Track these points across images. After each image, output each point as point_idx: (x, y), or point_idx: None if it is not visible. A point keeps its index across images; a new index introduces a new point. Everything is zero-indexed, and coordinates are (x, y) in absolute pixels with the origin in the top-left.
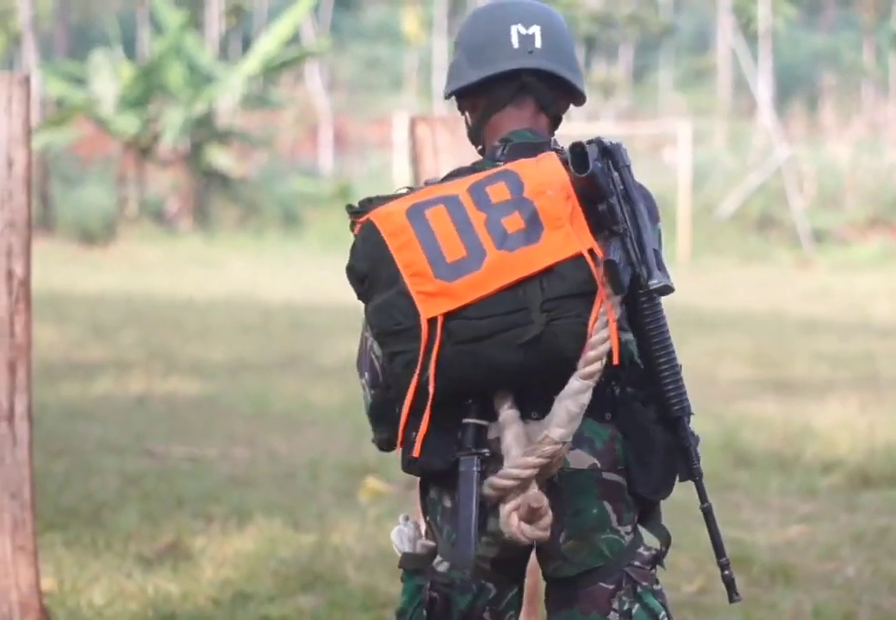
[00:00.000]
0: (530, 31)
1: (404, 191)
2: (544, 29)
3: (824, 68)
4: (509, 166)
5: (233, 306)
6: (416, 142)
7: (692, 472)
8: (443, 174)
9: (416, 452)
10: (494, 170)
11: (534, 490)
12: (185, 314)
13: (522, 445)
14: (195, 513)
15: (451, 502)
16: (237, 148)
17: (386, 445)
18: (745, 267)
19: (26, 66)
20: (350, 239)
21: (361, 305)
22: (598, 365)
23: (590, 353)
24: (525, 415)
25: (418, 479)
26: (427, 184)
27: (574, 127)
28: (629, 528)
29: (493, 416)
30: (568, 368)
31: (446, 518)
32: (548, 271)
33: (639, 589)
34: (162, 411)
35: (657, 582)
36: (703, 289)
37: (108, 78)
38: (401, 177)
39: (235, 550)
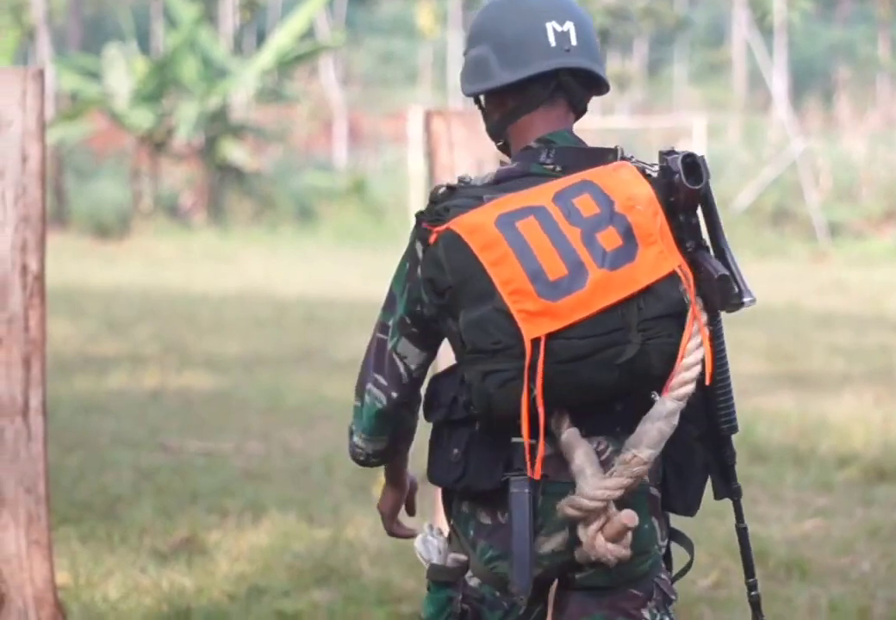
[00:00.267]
0: (565, 27)
1: (443, 189)
2: (577, 25)
3: (840, 62)
4: (586, 176)
5: (247, 300)
6: (431, 136)
7: (732, 491)
8: (459, 168)
9: (536, 473)
10: (573, 180)
11: (615, 509)
12: (199, 308)
13: (595, 463)
14: (210, 508)
15: (490, 519)
16: (251, 142)
17: (375, 458)
18: (761, 261)
19: (40, 61)
20: (364, 235)
21: (375, 300)
22: (691, 387)
23: (684, 374)
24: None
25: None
26: (463, 181)
27: (589, 121)
28: (665, 542)
29: (542, 434)
30: (649, 387)
31: (483, 534)
32: (646, 290)
33: (667, 604)
34: (176, 405)
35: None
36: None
37: (122, 72)
38: (416, 172)
39: (250, 544)
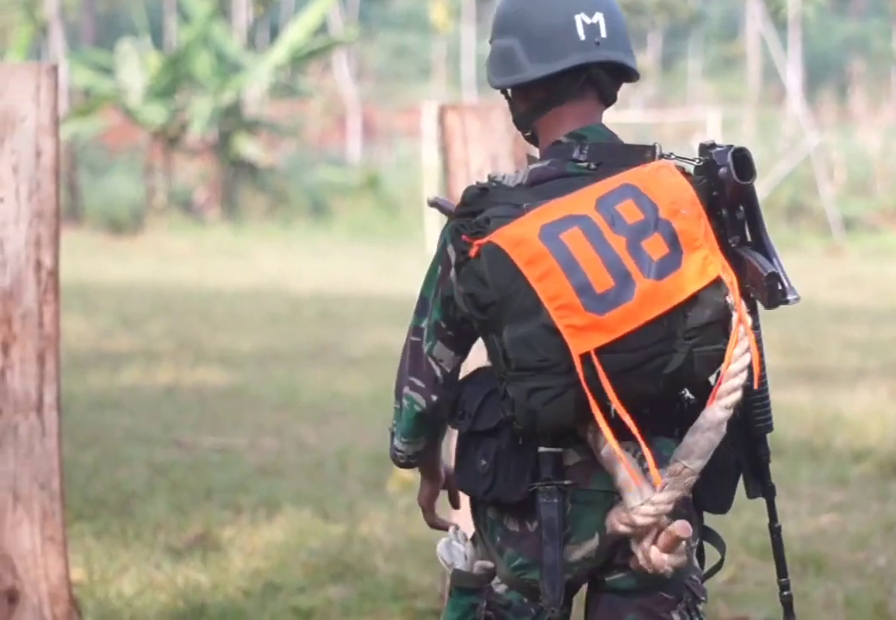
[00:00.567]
0: (594, 19)
1: (475, 191)
2: (607, 15)
3: (854, 55)
4: (626, 179)
5: (261, 296)
6: (445, 130)
7: (767, 490)
8: (473, 163)
9: (657, 479)
10: (614, 184)
11: (666, 519)
12: (213, 304)
13: (640, 476)
14: (224, 504)
15: (518, 527)
16: (265, 137)
17: (414, 459)
18: None
19: (53, 56)
20: (378, 230)
21: (389, 295)
22: (739, 394)
23: (732, 381)
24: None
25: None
26: (495, 180)
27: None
28: (696, 541)
29: (567, 442)
30: (689, 390)
31: (511, 542)
32: (691, 298)
33: (699, 606)
34: (190, 401)
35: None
36: None
37: (135, 67)
38: (430, 166)
39: (265, 541)
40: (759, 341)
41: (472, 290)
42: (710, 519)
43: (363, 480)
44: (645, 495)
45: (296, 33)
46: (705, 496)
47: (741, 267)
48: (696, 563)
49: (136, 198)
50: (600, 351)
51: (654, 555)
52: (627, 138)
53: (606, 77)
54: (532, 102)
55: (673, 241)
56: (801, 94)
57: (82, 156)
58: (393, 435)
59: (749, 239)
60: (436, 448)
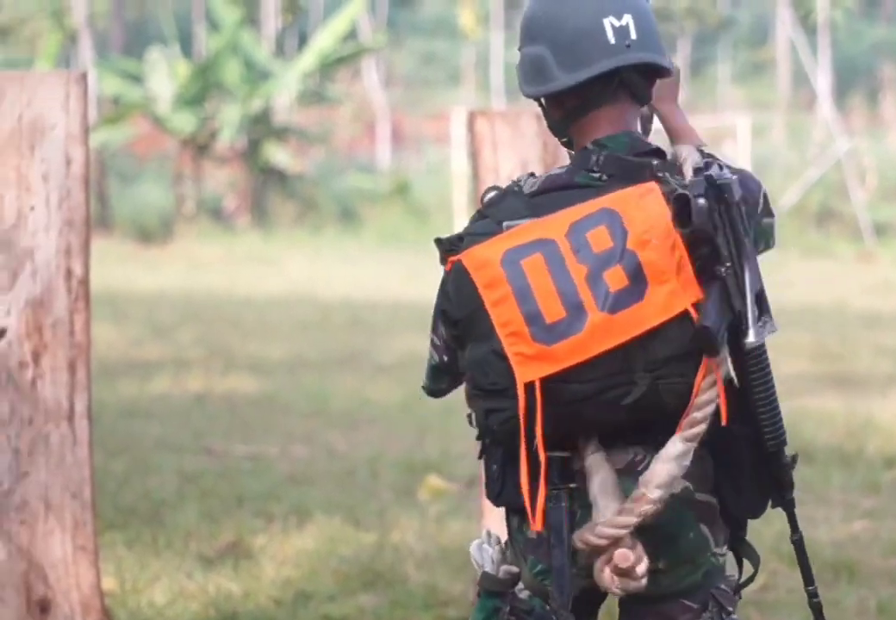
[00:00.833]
0: (623, 21)
1: (493, 193)
2: (636, 16)
3: (884, 60)
4: (611, 203)
5: (291, 303)
6: (474, 136)
7: (786, 503)
8: (503, 169)
9: (537, 525)
10: (595, 207)
11: (624, 543)
12: (243, 312)
13: (609, 495)
14: (255, 512)
15: (535, 533)
16: (294, 144)
17: (440, 394)
18: (806, 261)
19: (82, 64)
20: (407, 236)
21: (419, 302)
22: (702, 427)
23: (695, 414)
24: (609, 447)
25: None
26: (517, 184)
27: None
28: (724, 549)
29: (575, 446)
30: (668, 419)
31: (530, 548)
32: (653, 331)
33: (724, 616)
34: (221, 409)
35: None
36: (765, 284)
37: (164, 75)
38: (459, 173)
39: (296, 549)
40: (759, 356)
41: (443, 307)
42: (751, 524)
43: (394, 488)
44: (607, 515)
45: (324, 40)
46: (730, 501)
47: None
48: (725, 572)
49: (165, 206)
50: (551, 380)
51: (606, 575)
52: (657, 145)
53: (639, 78)
54: (565, 109)
55: (636, 273)
56: (831, 99)
57: (111, 164)
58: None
59: (735, 271)
60: None
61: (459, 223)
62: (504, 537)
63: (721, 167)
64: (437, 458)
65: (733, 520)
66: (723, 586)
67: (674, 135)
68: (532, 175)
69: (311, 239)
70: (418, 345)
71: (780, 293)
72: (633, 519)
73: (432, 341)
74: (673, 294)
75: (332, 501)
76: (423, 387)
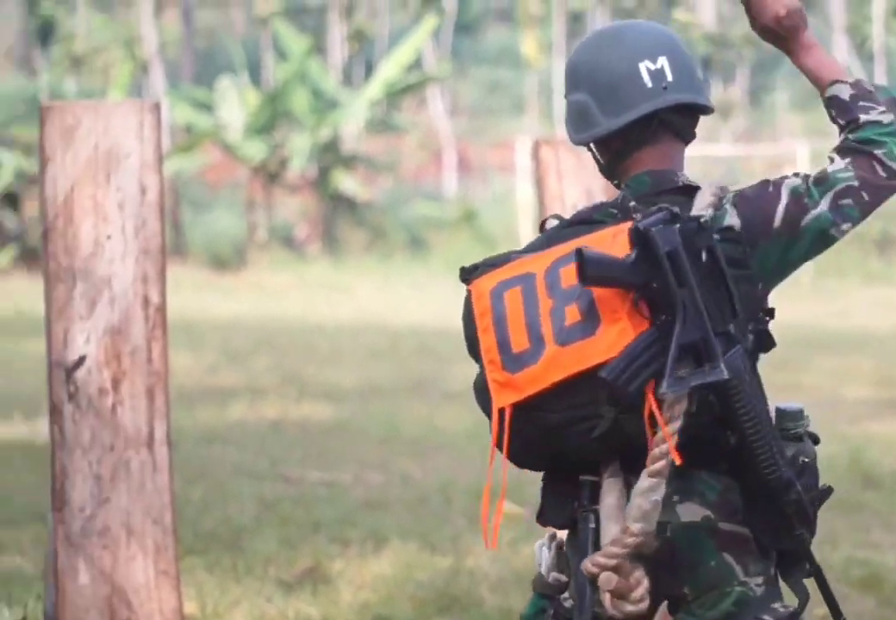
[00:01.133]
0: (659, 64)
1: (548, 220)
2: (671, 58)
3: None
4: (589, 241)
5: (361, 330)
6: (539, 165)
7: (793, 537)
8: (568, 197)
9: (492, 544)
10: (573, 247)
11: (624, 568)
12: (316, 339)
13: (613, 520)
14: (332, 537)
15: (572, 548)
16: (362, 172)
17: None
18: (867, 288)
19: (154, 93)
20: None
21: None
22: (664, 462)
23: (654, 451)
24: (633, 472)
25: None
26: (557, 216)
27: (692, 148)
28: (760, 580)
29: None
30: (643, 453)
31: (575, 561)
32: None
33: None
34: (296, 436)
35: None
36: (826, 311)
37: (234, 104)
38: (524, 201)
39: (373, 574)
40: (738, 401)
41: (463, 328)
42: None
43: (467, 513)
44: (609, 538)
45: (390, 69)
46: (754, 528)
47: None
48: (774, 604)
49: (237, 234)
50: (523, 407)
51: (606, 600)
52: (717, 172)
53: (679, 118)
54: (612, 153)
55: (589, 310)
56: None
57: (185, 192)
58: None
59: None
60: None
61: None
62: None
63: (671, 216)
64: (508, 484)
65: (782, 553)
66: (766, 617)
67: (815, 84)
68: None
69: (380, 266)
70: None
71: (842, 320)
72: (620, 551)
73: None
74: (623, 333)
75: (406, 527)
76: None
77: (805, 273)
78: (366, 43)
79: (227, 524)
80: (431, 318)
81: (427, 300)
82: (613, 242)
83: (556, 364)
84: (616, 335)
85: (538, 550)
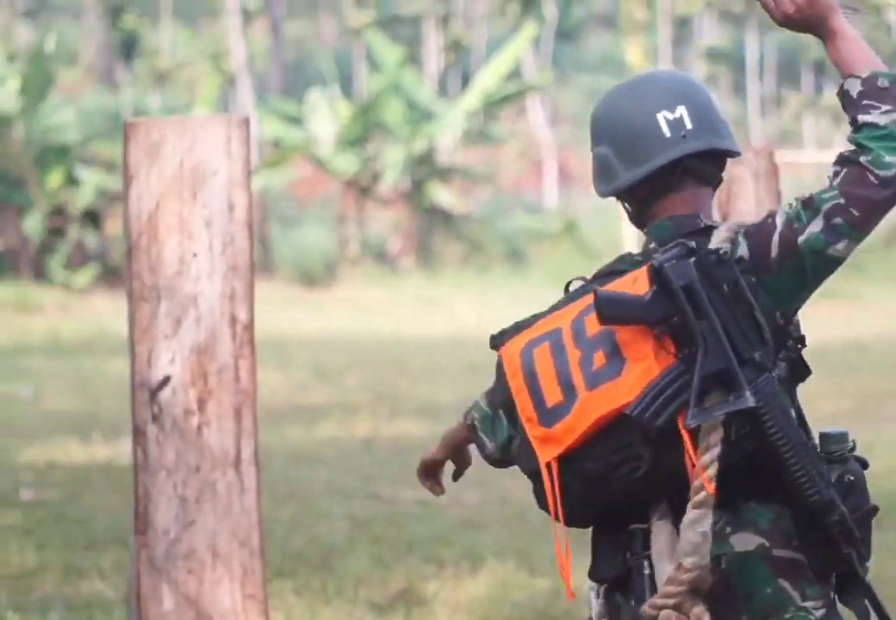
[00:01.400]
0: (677, 113)
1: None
2: (689, 106)
3: None
4: (612, 287)
5: (458, 345)
6: None
7: (843, 556)
8: None
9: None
10: (587, 303)
11: (685, 606)
12: (409, 354)
13: (665, 561)
14: (426, 557)
15: (625, 602)
16: (459, 184)
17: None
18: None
19: (241, 107)
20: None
21: None
22: (705, 494)
23: (696, 483)
24: (681, 514)
25: None
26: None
27: (806, 155)
28: (819, 603)
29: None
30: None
31: (623, 611)
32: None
33: None
34: (388, 454)
35: None
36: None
37: (325, 117)
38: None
39: (469, 595)
40: (769, 427)
41: (499, 394)
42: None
43: (567, 533)
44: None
45: (488, 79)
46: (806, 554)
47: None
48: None
49: (328, 249)
50: (569, 459)
51: None
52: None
53: (702, 164)
54: (638, 202)
55: (614, 352)
56: None
57: (273, 207)
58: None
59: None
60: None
61: None
62: None
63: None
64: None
65: (839, 572)
66: None
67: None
68: None
69: (477, 279)
70: None
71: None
72: (677, 589)
73: None
74: (648, 370)
75: (504, 546)
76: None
77: None
78: (462, 52)
79: (316, 544)
80: None
81: (526, 313)
82: (634, 285)
83: (588, 409)
84: (641, 372)
85: (589, 595)
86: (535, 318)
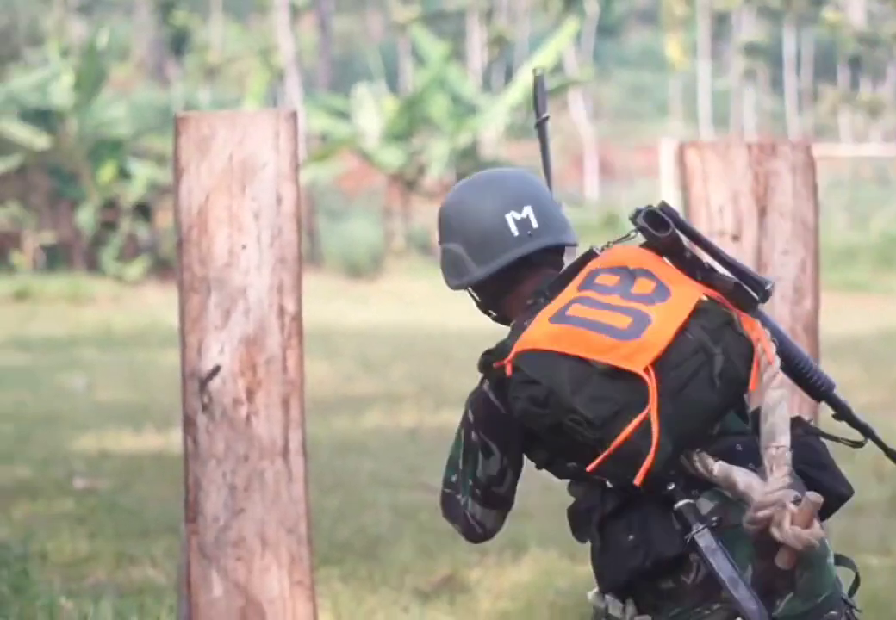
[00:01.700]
0: (524, 213)
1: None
2: (535, 206)
3: None
4: (586, 268)
5: (501, 337)
6: (685, 169)
7: (861, 425)
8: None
9: (638, 480)
10: (581, 276)
11: (790, 502)
12: (454, 346)
13: (757, 477)
14: (470, 546)
15: (672, 583)
16: None
17: (491, 535)
18: None
19: (290, 102)
20: None
21: None
22: (781, 374)
23: (773, 366)
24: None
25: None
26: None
27: (841, 148)
28: (832, 556)
29: (691, 494)
30: (741, 394)
31: (664, 597)
32: (696, 312)
33: (856, 614)
34: (434, 444)
35: None
36: None
37: (371, 111)
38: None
39: (512, 582)
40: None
41: (528, 395)
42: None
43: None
44: (765, 487)
45: (531, 74)
46: (828, 484)
47: (717, 289)
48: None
49: (374, 242)
50: (659, 371)
51: (796, 533)
52: (866, 172)
53: (547, 255)
54: (490, 293)
55: (656, 279)
56: None
57: (320, 200)
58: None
59: (710, 263)
60: None
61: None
62: None
63: None
64: None
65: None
66: (844, 591)
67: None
68: None
69: None
70: None
71: None
72: (786, 469)
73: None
74: (690, 287)
75: (547, 534)
76: (474, 536)
77: None
78: (506, 47)
79: (363, 533)
80: None
81: None
82: (612, 253)
83: (668, 316)
84: (685, 290)
85: (595, 598)
86: (517, 332)
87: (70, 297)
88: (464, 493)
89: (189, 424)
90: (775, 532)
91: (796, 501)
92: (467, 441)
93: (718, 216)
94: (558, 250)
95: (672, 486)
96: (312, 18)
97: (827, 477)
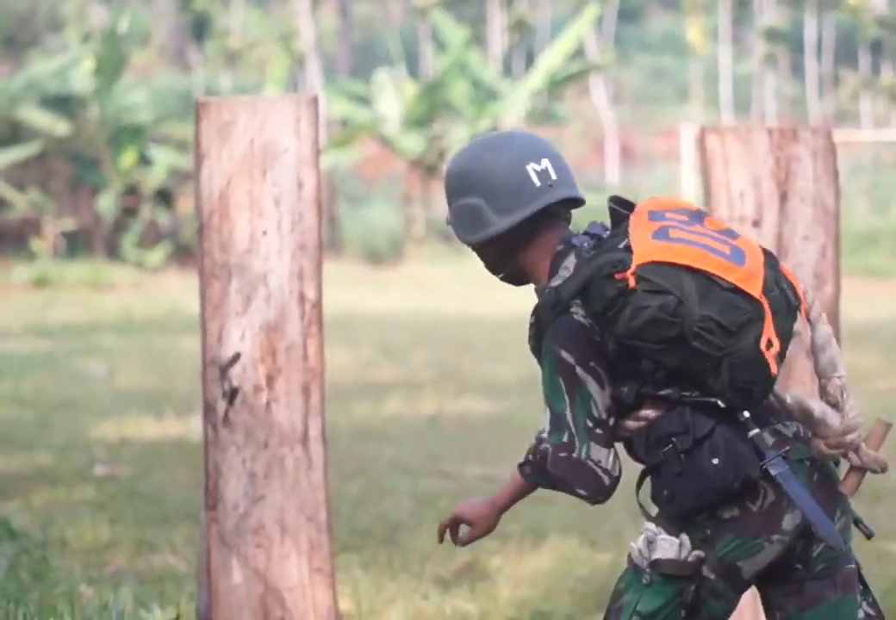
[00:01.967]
0: (543, 165)
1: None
2: (551, 159)
3: None
4: (641, 210)
5: (522, 323)
6: (705, 153)
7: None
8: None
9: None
10: (643, 215)
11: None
12: (474, 333)
13: (827, 406)
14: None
15: (737, 511)
16: None
17: (615, 484)
18: None
19: (310, 87)
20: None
21: None
22: (824, 312)
23: (817, 304)
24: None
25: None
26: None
27: (863, 134)
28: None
29: (757, 426)
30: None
31: (726, 528)
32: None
33: (861, 570)
34: (454, 431)
35: None
36: None
37: (392, 96)
38: (689, 190)
39: (532, 569)
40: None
41: (653, 313)
42: None
43: (628, 509)
44: (840, 416)
45: (552, 58)
46: None
47: None
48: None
49: (394, 228)
50: (765, 294)
51: (877, 456)
52: (888, 157)
53: (563, 208)
54: (505, 246)
55: (719, 219)
56: None
57: (341, 186)
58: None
59: None
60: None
61: None
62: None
63: None
64: None
65: None
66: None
67: None
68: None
69: None
70: None
71: None
72: (852, 395)
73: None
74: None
75: (567, 521)
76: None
77: None
78: (526, 32)
79: (382, 520)
80: None
81: None
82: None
83: (752, 248)
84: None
85: (644, 544)
86: (615, 247)
87: (90, 284)
88: (582, 441)
89: (209, 411)
90: (853, 456)
91: None
92: (573, 381)
93: (739, 201)
94: (572, 204)
95: (747, 415)
96: (333, 3)
97: None
